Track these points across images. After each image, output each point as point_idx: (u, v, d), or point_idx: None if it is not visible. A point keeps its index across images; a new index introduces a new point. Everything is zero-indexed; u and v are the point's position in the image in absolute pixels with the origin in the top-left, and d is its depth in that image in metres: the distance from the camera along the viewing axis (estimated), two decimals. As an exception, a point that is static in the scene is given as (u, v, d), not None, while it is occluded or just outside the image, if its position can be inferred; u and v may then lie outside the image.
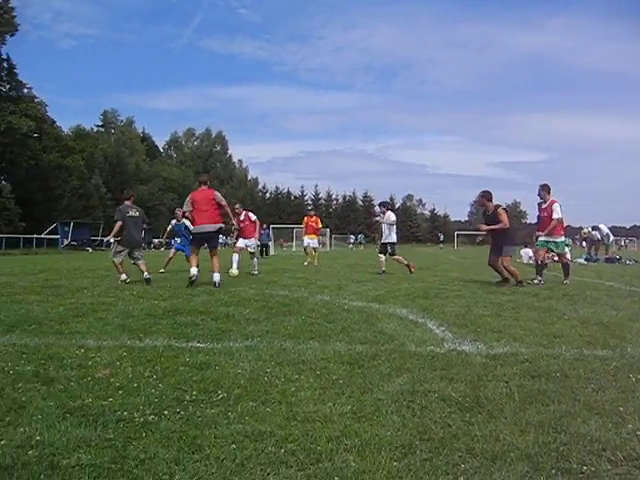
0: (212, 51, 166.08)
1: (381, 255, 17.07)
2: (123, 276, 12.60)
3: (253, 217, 17.56)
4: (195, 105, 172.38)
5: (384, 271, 16.44)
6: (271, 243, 37.10)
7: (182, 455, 2.88)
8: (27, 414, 3.48)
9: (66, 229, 49.02)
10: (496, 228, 12.37)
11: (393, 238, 17.06)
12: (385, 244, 17.07)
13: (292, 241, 54.01)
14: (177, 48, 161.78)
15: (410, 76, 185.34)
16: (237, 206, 17.48)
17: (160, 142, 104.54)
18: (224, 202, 12.34)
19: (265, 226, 34.45)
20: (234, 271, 14.62)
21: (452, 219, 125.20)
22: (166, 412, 3.54)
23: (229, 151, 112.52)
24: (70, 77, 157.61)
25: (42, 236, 47.53)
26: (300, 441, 3.08)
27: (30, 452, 2.88)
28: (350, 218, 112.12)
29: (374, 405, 3.75)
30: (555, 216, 13.04)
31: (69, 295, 10.03)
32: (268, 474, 2.69)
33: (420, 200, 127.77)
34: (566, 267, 13.53)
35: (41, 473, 2.65)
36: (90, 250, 45.84)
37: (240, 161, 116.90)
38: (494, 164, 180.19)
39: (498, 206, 12.62)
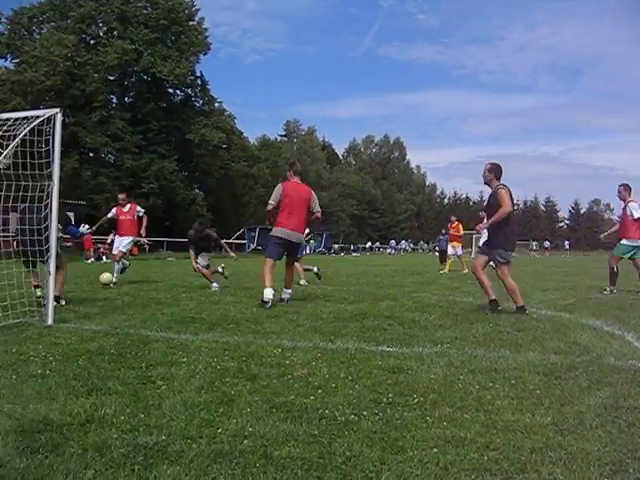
0: (390, 58, 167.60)
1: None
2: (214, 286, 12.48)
3: (141, 211, 14.22)
4: (374, 112, 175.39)
5: None
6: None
7: (386, 455, 2.93)
8: (237, 407, 3.72)
9: (252, 234, 51.67)
10: (493, 221, 8.66)
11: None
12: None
13: (471, 247, 53.00)
14: (356, 57, 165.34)
15: (597, 73, 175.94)
16: (121, 196, 14.19)
17: (340, 150, 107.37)
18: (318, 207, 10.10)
19: (444, 231, 34.08)
20: (109, 277, 12.56)
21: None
22: (365, 413, 3.62)
23: (407, 157, 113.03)
24: (255, 90, 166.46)
25: (231, 241, 50.32)
26: (502, 450, 3.03)
27: (245, 442, 3.08)
28: (532, 224, 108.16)
29: (576, 418, 3.60)
30: (635, 215, 11.98)
31: (260, 297, 10.55)
32: (473, 480, 2.69)
33: (608, 205, 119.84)
34: None
35: (256, 462, 2.82)
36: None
37: (418, 167, 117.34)
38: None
39: (500, 186, 8.78)
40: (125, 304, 9.24)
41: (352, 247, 67.05)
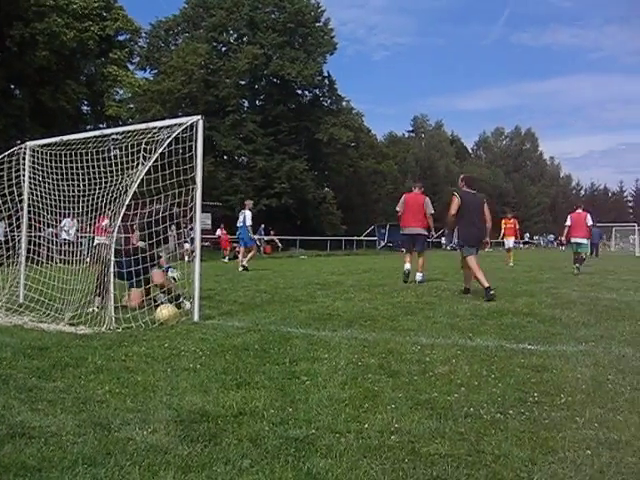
0: (523, 45, 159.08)
1: None
2: None
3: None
4: (505, 103, 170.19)
5: None
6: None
7: (536, 455, 2.89)
8: (381, 403, 3.78)
9: (382, 231, 51.81)
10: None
11: None
12: None
13: (612, 240, 50.62)
14: (486, 46, 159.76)
15: None
16: None
17: (469, 143, 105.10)
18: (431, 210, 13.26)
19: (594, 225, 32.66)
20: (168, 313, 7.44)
21: None
22: (511, 412, 3.58)
23: (539, 148, 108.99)
24: (383, 86, 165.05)
25: (361, 238, 50.69)
26: (662, 454, 2.91)
27: (392, 437, 3.14)
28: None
29: None
30: None
31: (395, 294, 10.60)
32: (631, 484, 2.60)
33: None
34: None
35: (405, 457, 2.87)
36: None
37: (552, 158, 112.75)
38: None
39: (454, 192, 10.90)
40: (264, 301, 9.54)
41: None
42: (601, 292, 11.01)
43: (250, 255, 18.82)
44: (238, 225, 18.94)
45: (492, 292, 9.63)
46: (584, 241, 17.39)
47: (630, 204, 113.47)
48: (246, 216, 18.37)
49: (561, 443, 3.05)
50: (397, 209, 13.44)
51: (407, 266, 13.03)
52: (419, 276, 12.97)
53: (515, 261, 23.43)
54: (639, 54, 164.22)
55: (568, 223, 17.89)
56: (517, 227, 24.98)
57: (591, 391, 4.03)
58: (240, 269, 17.95)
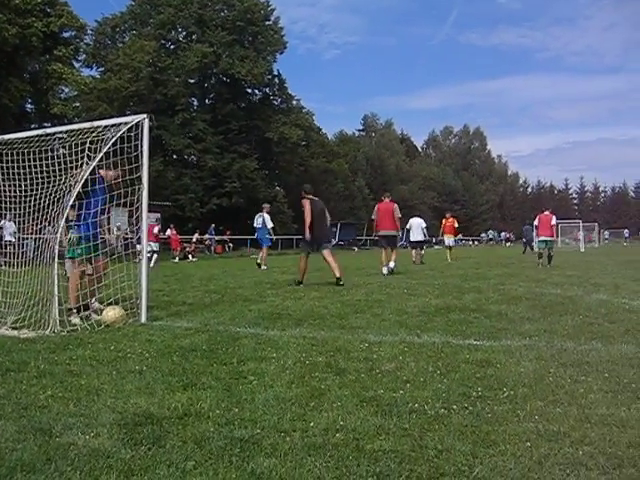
0: (471, 45, 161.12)
1: None
2: None
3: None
4: (453, 102, 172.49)
5: None
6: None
7: (478, 449, 2.94)
8: (327, 401, 3.79)
9: (334, 229, 51.91)
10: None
11: None
12: None
13: (558, 236, 51.64)
14: (435, 46, 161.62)
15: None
16: None
17: (419, 142, 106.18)
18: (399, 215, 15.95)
19: (528, 222, 33.45)
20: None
21: None
22: (455, 407, 3.63)
23: (488, 147, 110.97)
24: (334, 84, 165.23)
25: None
26: (597, 444, 2.98)
27: (337, 435, 3.15)
28: (621, 211, 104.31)
29: (676, 412, 3.49)
30: None
31: (345, 292, 10.65)
32: (568, 475, 2.65)
33: None
34: None
35: (349, 455, 2.89)
36: (356, 249, 48.21)
37: (499, 156, 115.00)
38: None
39: (304, 197, 12.39)
40: (213, 302, 9.48)
41: (434, 240, 66.22)
42: (546, 287, 11.26)
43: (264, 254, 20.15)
44: (255, 226, 20.67)
45: (342, 283, 12.08)
46: (550, 239, 19.32)
47: (575, 201, 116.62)
48: (265, 218, 20.07)
49: (502, 436, 3.11)
50: (372, 217, 16.28)
51: (385, 262, 15.49)
52: (392, 264, 15.43)
53: (461, 258, 23.87)
54: (583, 54, 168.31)
55: (536, 223, 19.81)
56: (455, 226, 26.08)
57: (533, 384, 4.12)
58: (263, 267, 19.22)
